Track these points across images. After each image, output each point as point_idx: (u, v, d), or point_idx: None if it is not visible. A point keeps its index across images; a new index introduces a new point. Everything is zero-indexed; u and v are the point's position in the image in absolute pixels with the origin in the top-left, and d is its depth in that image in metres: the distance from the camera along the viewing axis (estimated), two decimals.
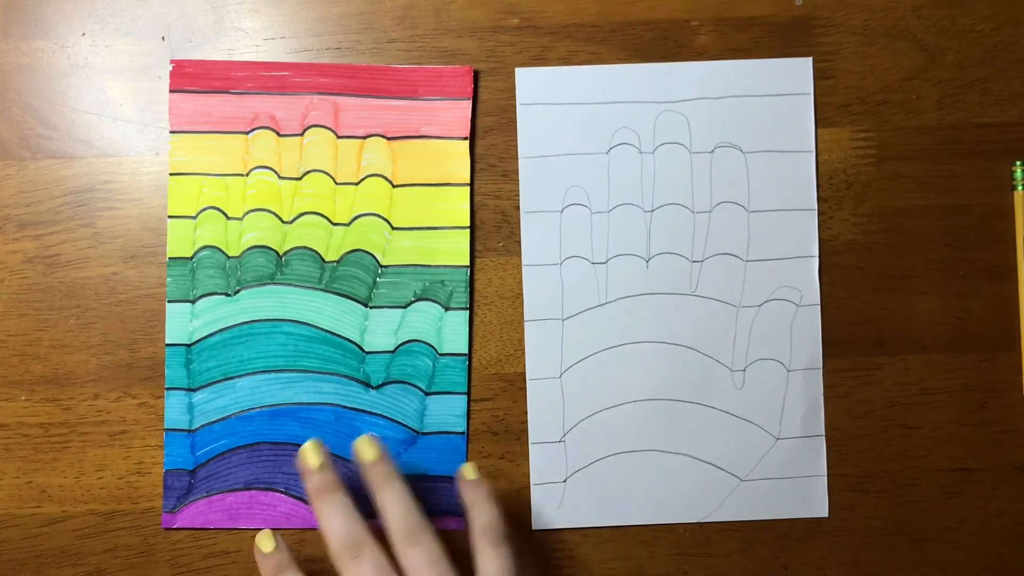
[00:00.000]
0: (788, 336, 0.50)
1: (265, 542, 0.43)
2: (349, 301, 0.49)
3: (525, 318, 0.49)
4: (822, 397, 0.50)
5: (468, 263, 0.49)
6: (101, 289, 0.49)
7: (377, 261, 0.49)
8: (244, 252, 0.49)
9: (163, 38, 0.50)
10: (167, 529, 0.48)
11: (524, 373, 0.49)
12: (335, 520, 0.41)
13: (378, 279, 0.49)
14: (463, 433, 0.49)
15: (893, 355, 0.50)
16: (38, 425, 0.49)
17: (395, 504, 0.42)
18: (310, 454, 0.43)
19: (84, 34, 0.50)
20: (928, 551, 0.50)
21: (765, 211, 0.50)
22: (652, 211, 0.50)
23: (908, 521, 0.50)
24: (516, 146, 0.50)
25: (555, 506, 0.49)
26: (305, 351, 0.49)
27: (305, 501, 0.48)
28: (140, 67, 0.50)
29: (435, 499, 0.49)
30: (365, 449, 0.43)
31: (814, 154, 0.50)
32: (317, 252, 0.49)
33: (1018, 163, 0.50)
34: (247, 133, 0.49)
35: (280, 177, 0.49)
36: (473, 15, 0.50)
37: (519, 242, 0.50)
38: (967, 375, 0.50)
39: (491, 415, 0.49)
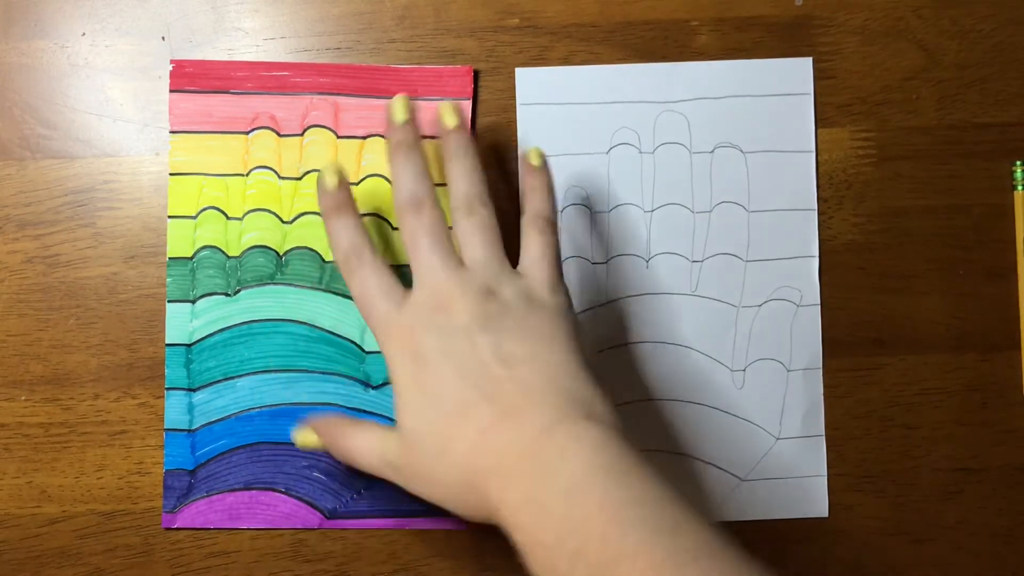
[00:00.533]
0: (788, 336, 0.50)
1: (329, 177, 0.43)
2: (349, 301, 0.49)
3: None
4: (822, 397, 0.50)
5: None
6: (101, 289, 0.49)
7: None
8: (244, 252, 0.49)
9: (163, 38, 0.50)
10: (167, 529, 0.48)
11: None
12: (405, 175, 0.42)
13: None
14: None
15: (893, 355, 0.50)
16: (38, 425, 0.49)
17: (463, 175, 0.42)
18: (398, 107, 0.43)
19: (84, 34, 0.50)
20: (928, 551, 0.50)
21: (765, 211, 0.50)
22: (652, 211, 0.50)
23: (908, 521, 0.50)
24: (516, 146, 0.50)
25: None
26: (305, 351, 0.49)
27: (305, 501, 0.48)
28: (140, 67, 0.50)
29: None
30: (448, 114, 0.43)
31: (814, 154, 0.50)
32: (317, 252, 0.49)
33: (1018, 163, 0.50)
34: (247, 133, 0.49)
35: (280, 177, 0.49)
36: (473, 15, 0.50)
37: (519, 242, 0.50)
38: (967, 375, 0.50)
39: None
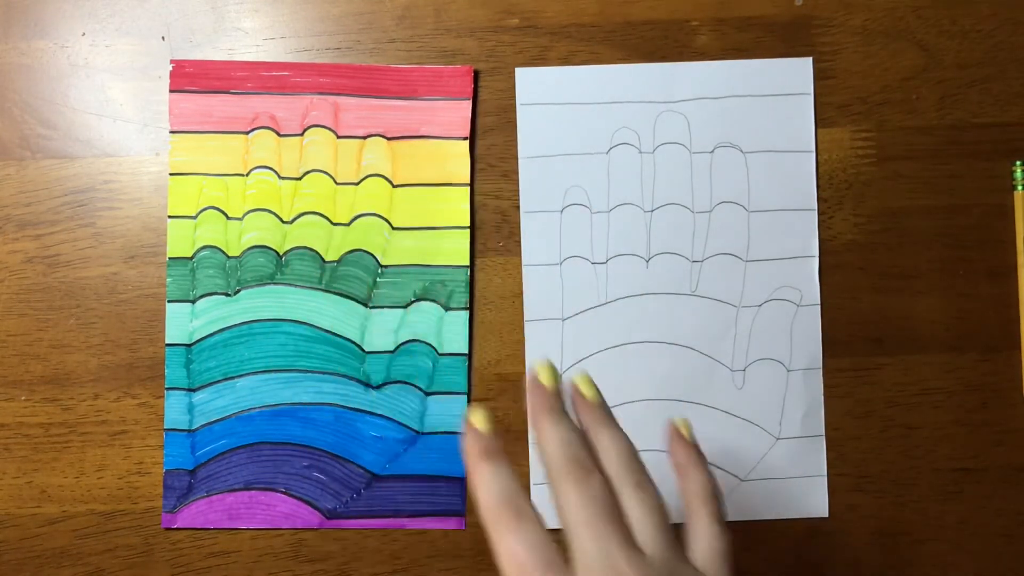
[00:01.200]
0: (788, 336, 0.50)
1: (478, 418, 0.38)
2: (349, 301, 0.49)
3: (525, 318, 0.49)
4: (822, 397, 0.50)
5: (468, 263, 0.49)
6: (101, 289, 0.49)
7: (377, 261, 0.49)
8: (244, 252, 0.49)
9: (163, 38, 0.50)
10: (167, 529, 0.48)
11: (524, 373, 0.49)
12: (563, 437, 0.37)
13: (378, 279, 0.49)
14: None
15: (893, 355, 0.50)
16: (38, 425, 0.49)
17: (618, 444, 0.37)
18: (545, 371, 0.38)
19: (84, 34, 0.50)
20: (928, 551, 0.50)
21: (765, 211, 0.50)
22: (652, 211, 0.50)
23: (908, 521, 0.50)
24: (516, 146, 0.50)
25: None
26: (305, 351, 0.49)
27: (305, 501, 0.48)
28: (140, 67, 0.50)
29: (435, 499, 0.49)
30: (583, 386, 0.39)
31: (814, 154, 0.50)
32: (317, 252, 0.49)
33: (1018, 163, 0.50)
34: (247, 133, 0.49)
35: (280, 177, 0.49)
36: (473, 15, 0.50)
37: (519, 242, 0.50)
38: (967, 375, 0.50)
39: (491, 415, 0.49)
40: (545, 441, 0.37)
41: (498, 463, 0.36)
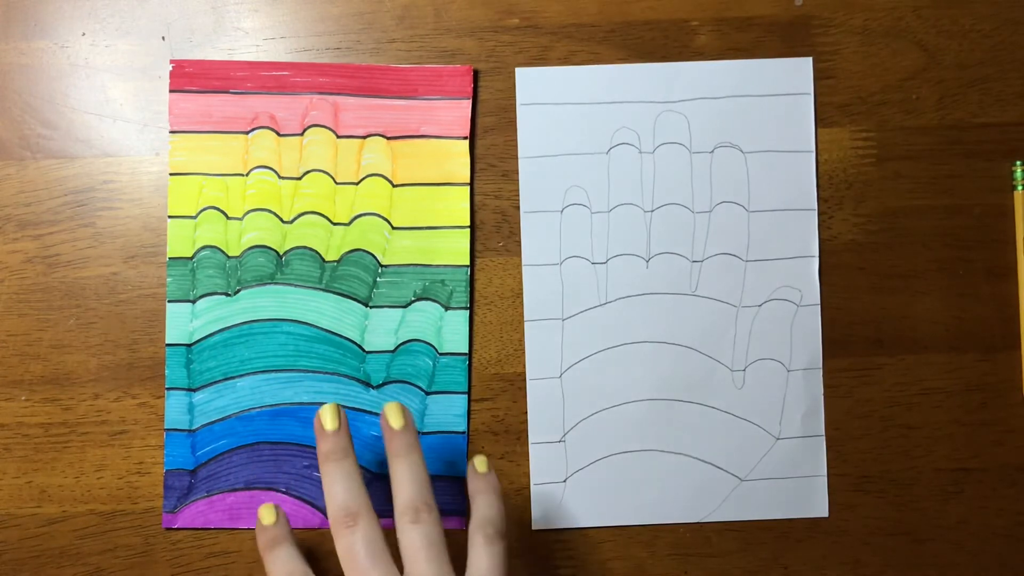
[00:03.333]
0: (788, 336, 0.50)
1: (266, 514, 0.44)
2: (349, 301, 0.49)
3: (525, 318, 0.49)
4: (822, 397, 0.50)
5: (468, 263, 0.49)
6: (101, 289, 0.49)
7: (377, 261, 0.49)
8: (244, 252, 0.49)
9: (163, 38, 0.50)
10: (167, 529, 0.48)
11: (524, 373, 0.49)
12: (337, 486, 0.41)
13: (378, 279, 0.49)
14: (463, 433, 0.49)
15: (893, 355, 0.50)
16: (38, 425, 0.49)
17: (407, 478, 0.41)
18: (328, 416, 0.42)
19: (84, 34, 0.50)
20: (928, 551, 0.50)
21: (765, 211, 0.50)
22: (652, 211, 0.50)
23: (908, 521, 0.50)
24: (516, 146, 0.50)
25: (555, 506, 0.49)
26: (305, 351, 0.49)
27: (305, 501, 0.48)
28: (140, 67, 0.50)
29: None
30: (393, 415, 0.42)
31: (814, 154, 0.50)
32: (317, 252, 0.49)
33: (1018, 163, 0.50)
34: (247, 133, 0.49)
35: (280, 177, 0.49)
36: (473, 15, 0.50)
37: (519, 242, 0.50)
38: (967, 375, 0.50)
39: (491, 415, 0.49)
40: (325, 490, 0.41)
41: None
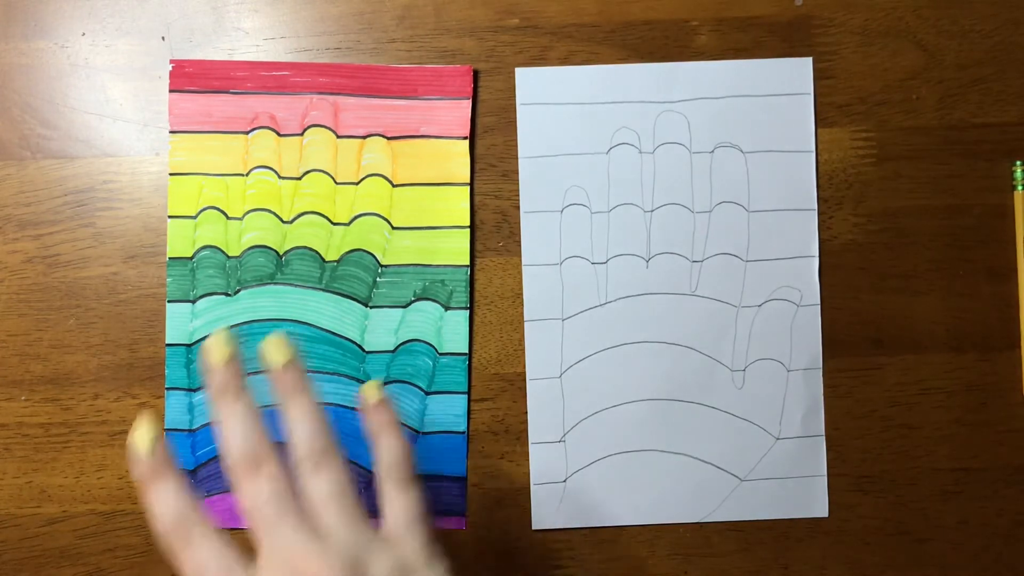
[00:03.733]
0: (788, 336, 0.50)
1: (141, 441, 0.35)
2: (349, 301, 0.49)
3: (525, 318, 0.49)
4: (822, 397, 0.50)
5: (468, 263, 0.49)
6: (101, 289, 0.49)
7: (377, 261, 0.49)
8: (244, 252, 0.49)
9: (163, 38, 0.50)
10: None
11: (524, 373, 0.49)
12: (236, 428, 0.35)
13: (378, 279, 0.49)
14: (463, 433, 0.49)
15: (893, 355, 0.50)
16: (38, 425, 0.49)
17: (303, 421, 0.36)
18: (216, 347, 0.35)
19: (84, 34, 0.50)
20: (928, 551, 0.50)
21: (765, 211, 0.50)
22: (652, 211, 0.50)
23: (908, 521, 0.50)
24: (516, 146, 0.50)
25: (555, 506, 0.49)
26: (305, 351, 0.49)
27: None
28: (140, 67, 0.50)
29: (436, 499, 0.49)
30: (273, 350, 0.36)
31: (814, 154, 0.50)
32: (317, 252, 0.49)
33: (1018, 163, 0.50)
34: (247, 133, 0.49)
35: (280, 177, 0.49)
36: (473, 15, 0.50)
37: (519, 242, 0.50)
38: (967, 375, 0.50)
39: (491, 415, 0.49)
40: (221, 432, 0.35)
41: (167, 480, 0.35)
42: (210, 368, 0.36)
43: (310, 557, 0.33)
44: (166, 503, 0.34)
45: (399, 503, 0.36)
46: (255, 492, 0.34)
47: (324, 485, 0.35)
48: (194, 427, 0.49)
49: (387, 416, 0.38)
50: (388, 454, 0.37)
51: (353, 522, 0.34)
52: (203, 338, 0.49)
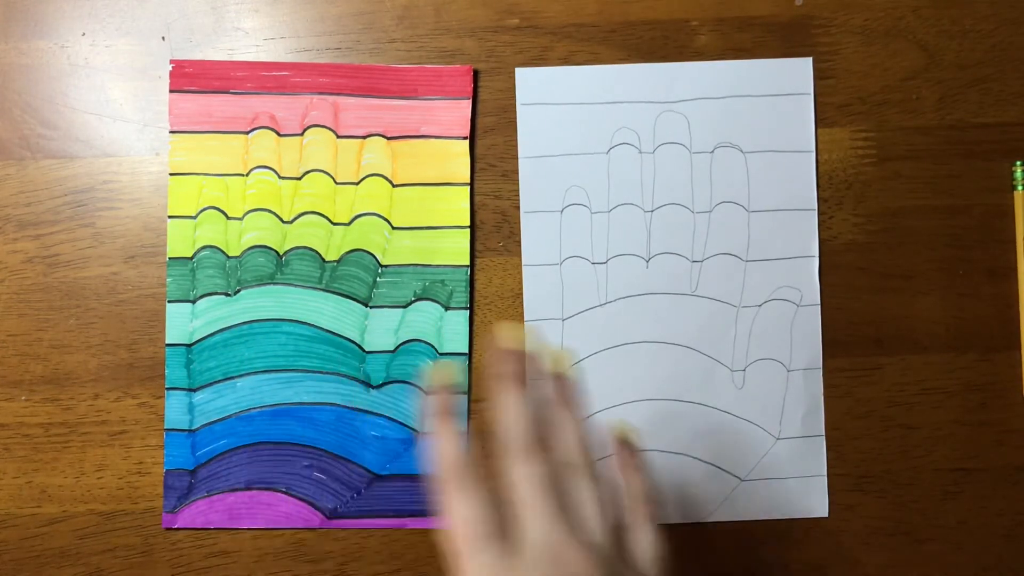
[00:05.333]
0: (788, 336, 0.50)
1: (446, 372, 0.37)
2: (349, 301, 0.49)
3: (525, 318, 0.49)
4: (822, 397, 0.50)
5: (468, 263, 0.49)
6: (101, 289, 0.49)
7: (377, 261, 0.49)
8: (244, 252, 0.49)
9: (163, 38, 0.50)
10: (167, 529, 0.48)
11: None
12: (521, 411, 0.36)
13: (378, 279, 0.49)
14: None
15: (893, 355, 0.50)
16: (38, 425, 0.49)
17: (575, 430, 0.36)
18: (510, 334, 0.37)
19: (84, 34, 0.50)
20: (928, 551, 0.50)
21: (765, 211, 0.50)
22: (652, 211, 0.50)
23: (908, 521, 0.50)
24: (516, 146, 0.50)
25: None
26: (305, 351, 0.49)
27: (305, 501, 0.48)
28: (140, 67, 0.50)
29: (436, 499, 0.48)
30: (563, 363, 0.38)
31: (814, 154, 0.50)
32: (317, 252, 0.49)
33: (1018, 163, 0.50)
34: (247, 133, 0.49)
35: (280, 177, 0.49)
36: (473, 15, 0.50)
37: (519, 242, 0.50)
38: (967, 375, 0.50)
39: (491, 415, 0.49)
40: (503, 409, 0.36)
41: (454, 422, 0.36)
42: (503, 354, 0.36)
43: (574, 551, 0.33)
44: (451, 443, 0.36)
45: (644, 540, 0.36)
46: (534, 473, 0.35)
47: (597, 494, 0.35)
48: (194, 427, 0.49)
49: (633, 458, 0.39)
50: (640, 490, 0.38)
51: (615, 541, 0.35)
52: (203, 338, 0.49)
